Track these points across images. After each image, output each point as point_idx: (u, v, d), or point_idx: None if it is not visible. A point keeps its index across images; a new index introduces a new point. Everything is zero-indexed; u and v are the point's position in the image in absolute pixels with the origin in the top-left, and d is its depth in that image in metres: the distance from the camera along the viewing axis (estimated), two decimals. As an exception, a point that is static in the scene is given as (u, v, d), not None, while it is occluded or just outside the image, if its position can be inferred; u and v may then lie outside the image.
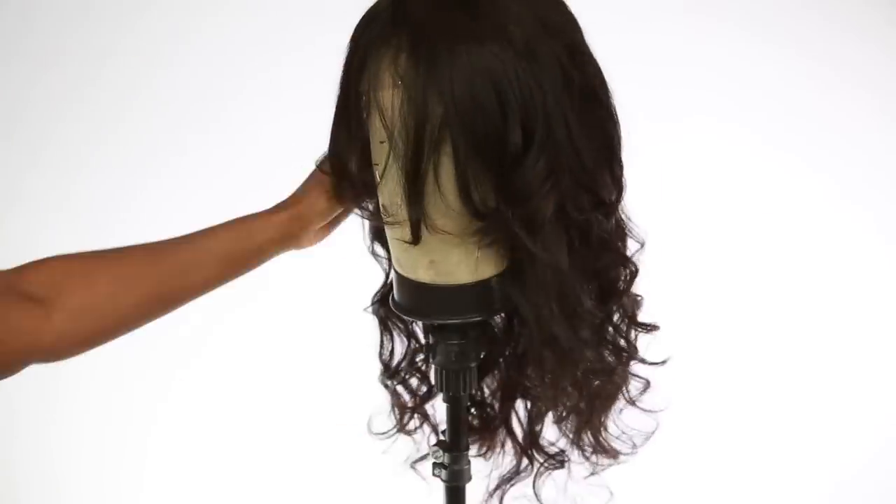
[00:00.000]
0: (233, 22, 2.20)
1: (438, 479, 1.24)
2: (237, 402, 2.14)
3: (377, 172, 1.05)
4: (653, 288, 2.15)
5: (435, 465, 1.23)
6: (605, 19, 2.17)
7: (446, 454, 1.22)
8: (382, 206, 1.07)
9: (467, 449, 1.22)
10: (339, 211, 1.16)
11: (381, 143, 1.03)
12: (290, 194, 1.15)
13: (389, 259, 1.22)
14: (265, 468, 2.06)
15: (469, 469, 1.23)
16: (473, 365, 1.17)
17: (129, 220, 2.14)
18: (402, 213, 1.05)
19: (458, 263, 1.09)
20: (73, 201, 2.19)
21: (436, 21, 0.98)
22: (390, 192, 1.05)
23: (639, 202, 2.02)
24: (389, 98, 1.00)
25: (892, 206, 2.37)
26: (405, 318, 1.22)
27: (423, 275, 1.10)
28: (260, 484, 2.09)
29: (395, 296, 1.16)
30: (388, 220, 1.06)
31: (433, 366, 1.18)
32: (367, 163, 1.08)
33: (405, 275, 1.11)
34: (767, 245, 2.32)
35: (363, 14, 1.04)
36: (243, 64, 2.15)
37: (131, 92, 2.18)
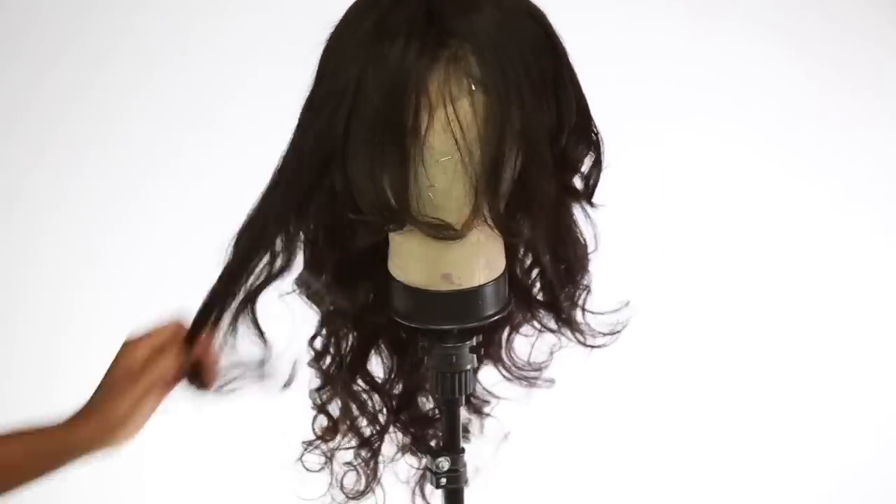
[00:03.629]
0: (235, 22, 2.20)
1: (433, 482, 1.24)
2: (236, 403, 2.13)
3: (435, 191, 1.03)
4: (653, 288, 2.16)
5: (432, 472, 1.23)
6: (605, 19, 2.19)
7: (444, 457, 1.22)
8: (432, 223, 1.05)
9: (463, 450, 1.23)
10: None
11: (443, 159, 1.01)
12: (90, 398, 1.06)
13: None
14: (263, 468, 2.06)
15: (466, 471, 1.23)
16: (469, 367, 1.17)
17: (130, 222, 2.15)
18: (459, 217, 1.05)
19: (501, 256, 1.13)
20: (74, 202, 2.19)
21: (480, 19, 1.00)
22: (457, 202, 1.04)
23: (639, 202, 2.03)
24: (467, 105, 0.99)
25: (894, 206, 2.37)
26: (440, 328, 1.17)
27: (480, 277, 1.10)
28: (259, 483, 2.09)
29: (421, 314, 1.13)
30: (447, 235, 1.05)
31: (428, 370, 1.19)
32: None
33: (448, 287, 1.10)
34: (768, 244, 2.32)
35: (349, 57, 1.00)
36: (245, 65, 2.15)
37: (132, 93, 2.18)
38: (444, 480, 1.22)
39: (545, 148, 1.04)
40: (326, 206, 1.09)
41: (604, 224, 1.21)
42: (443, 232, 1.04)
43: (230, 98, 2.15)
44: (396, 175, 1.01)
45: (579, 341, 1.27)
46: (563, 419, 2.18)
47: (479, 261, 1.10)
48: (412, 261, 1.09)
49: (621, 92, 1.85)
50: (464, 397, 1.19)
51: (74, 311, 2.14)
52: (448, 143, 1.00)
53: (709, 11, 2.29)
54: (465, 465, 1.23)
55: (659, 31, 2.27)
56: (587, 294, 1.24)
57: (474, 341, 1.17)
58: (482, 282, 1.10)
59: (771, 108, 2.30)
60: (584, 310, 1.24)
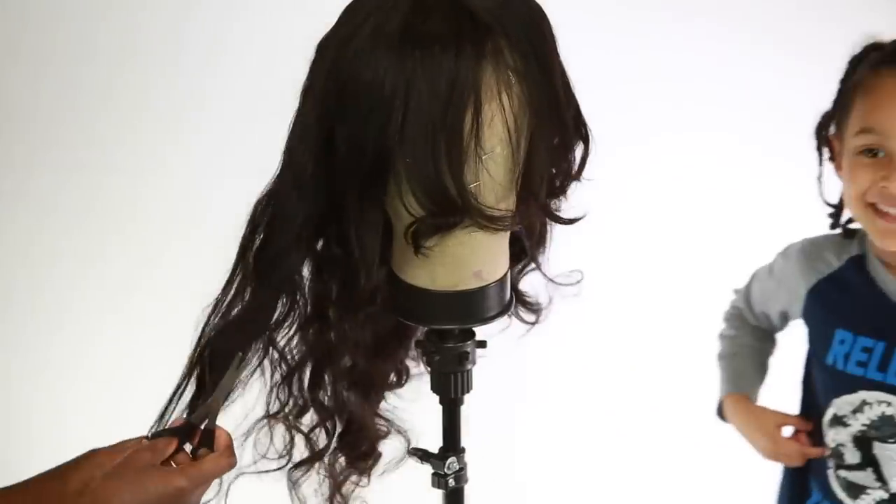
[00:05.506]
0: (235, 22, 2.21)
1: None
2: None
3: (485, 182, 1.04)
4: (653, 291, 2.17)
5: (439, 476, 1.23)
6: (605, 21, 2.19)
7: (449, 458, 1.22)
8: (487, 215, 1.06)
9: (464, 449, 1.23)
10: None
11: (492, 151, 1.03)
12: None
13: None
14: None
15: (466, 470, 1.23)
16: (470, 367, 1.18)
17: (129, 221, 2.15)
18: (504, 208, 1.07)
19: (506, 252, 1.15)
20: (74, 202, 2.19)
21: (510, 13, 1.03)
22: (502, 193, 1.06)
23: (639, 205, 2.04)
24: (510, 98, 1.02)
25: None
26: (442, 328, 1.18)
27: (501, 271, 1.12)
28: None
29: (433, 315, 1.14)
30: (505, 225, 1.07)
31: (430, 370, 1.19)
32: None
33: (477, 284, 1.11)
34: (768, 247, 2.32)
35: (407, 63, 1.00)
36: (245, 64, 2.16)
37: (132, 92, 2.18)
38: (451, 482, 1.22)
39: (572, 135, 1.09)
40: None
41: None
42: (503, 223, 1.06)
43: (233, 98, 2.16)
44: (458, 174, 1.02)
45: (526, 304, 1.26)
46: (561, 420, 2.19)
47: (503, 255, 1.11)
48: (443, 264, 1.10)
49: (620, 94, 1.85)
50: (464, 397, 1.20)
51: (75, 310, 2.15)
52: (497, 136, 1.03)
53: (707, 11, 2.30)
54: (465, 464, 1.23)
55: (658, 33, 2.28)
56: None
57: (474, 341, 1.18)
58: (501, 275, 1.12)
59: (770, 109, 2.31)
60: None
